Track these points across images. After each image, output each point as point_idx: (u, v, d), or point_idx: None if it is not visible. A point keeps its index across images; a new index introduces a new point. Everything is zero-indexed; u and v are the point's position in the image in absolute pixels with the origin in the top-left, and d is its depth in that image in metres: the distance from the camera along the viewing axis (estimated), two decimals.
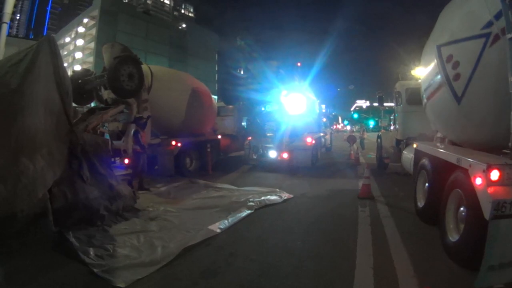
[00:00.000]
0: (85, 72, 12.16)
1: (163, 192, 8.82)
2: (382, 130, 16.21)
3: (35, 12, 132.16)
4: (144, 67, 10.66)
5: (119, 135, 10.98)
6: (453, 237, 4.68)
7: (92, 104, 12.51)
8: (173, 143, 11.18)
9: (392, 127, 14.15)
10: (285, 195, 8.48)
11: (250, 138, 14.90)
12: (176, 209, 7.10)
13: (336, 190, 9.65)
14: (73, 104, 10.43)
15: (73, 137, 6.02)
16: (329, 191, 9.44)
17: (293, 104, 13.58)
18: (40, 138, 5.23)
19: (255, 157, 14.45)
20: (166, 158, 11.08)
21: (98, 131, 10.07)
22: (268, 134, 14.94)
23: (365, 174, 8.93)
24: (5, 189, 4.60)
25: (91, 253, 4.56)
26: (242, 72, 14.35)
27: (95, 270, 4.11)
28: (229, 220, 6.27)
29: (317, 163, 14.73)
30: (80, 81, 11.13)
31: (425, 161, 6.66)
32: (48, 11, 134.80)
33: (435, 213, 5.47)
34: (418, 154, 7.43)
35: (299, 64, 14.70)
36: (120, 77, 9.56)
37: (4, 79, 5.27)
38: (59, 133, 5.71)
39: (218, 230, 5.72)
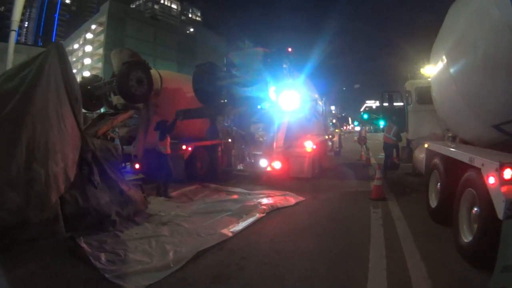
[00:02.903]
0: (94, 78, 12.29)
1: (175, 197, 8.79)
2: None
3: (43, 19, 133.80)
4: (153, 71, 10.69)
5: (129, 140, 11.03)
6: (467, 237, 4.60)
7: (102, 110, 12.60)
8: (184, 147, 10.94)
9: (386, 131, 13.64)
10: (297, 198, 8.40)
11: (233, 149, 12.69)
12: (187, 213, 7.07)
13: (348, 192, 9.60)
14: (83, 110, 10.55)
15: (83, 142, 6.03)
16: (341, 193, 9.38)
17: (285, 100, 10.50)
18: (52, 144, 5.23)
19: (241, 167, 12.40)
20: (176, 162, 10.91)
21: (108, 136, 10.13)
22: (259, 139, 12.75)
23: (376, 175, 8.86)
24: (18, 196, 4.63)
25: (103, 258, 4.55)
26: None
27: (106, 275, 4.09)
28: (241, 224, 6.23)
29: (320, 172, 12.62)
30: (89, 87, 11.22)
31: (437, 160, 6.58)
32: (56, 18, 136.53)
33: (448, 214, 5.38)
34: (429, 153, 7.35)
35: (289, 49, 11.15)
36: (129, 82, 9.60)
37: (14, 87, 5.30)
38: (71, 139, 5.72)
39: (230, 234, 5.67)
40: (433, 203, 6.59)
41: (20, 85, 5.29)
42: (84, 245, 4.90)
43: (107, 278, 4.03)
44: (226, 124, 12.89)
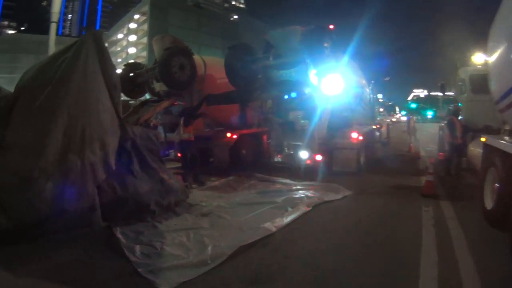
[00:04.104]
0: (136, 65, 12.25)
1: (218, 186, 8.56)
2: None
3: (86, 11, 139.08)
4: (196, 58, 10.49)
5: (172, 127, 10.92)
6: None
7: (147, 97, 12.59)
8: (228, 135, 10.56)
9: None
10: (344, 191, 7.95)
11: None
12: (230, 204, 6.82)
13: (397, 186, 9.01)
14: (125, 98, 10.54)
15: (122, 130, 5.91)
16: (389, 187, 8.84)
17: (328, 84, 9.24)
18: (89, 133, 5.18)
19: (279, 159, 11.44)
20: (221, 150, 10.65)
21: (151, 123, 10.08)
22: (299, 128, 11.28)
23: (429, 169, 8.25)
24: (53, 186, 4.60)
25: (137, 251, 4.39)
26: None
27: (139, 269, 3.91)
28: (286, 218, 5.87)
29: (367, 165, 11.47)
30: (131, 74, 11.19)
31: (495, 157, 5.93)
32: (99, 10, 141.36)
33: (506, 217, 4.75)
34: (487, 149, 6.66)
35: (331, 26, 9.56)
36: (171, 69, 9.46)
37: (49, 76, 5.26)
38: (110, 127, 5.63)
39: (274, 229, 5.33)
40: (489, 204, 5.91)
41: (55, 74, 5.25)
42: (119, 236, 4.79)
43: (140, 273, 3.85)
44: (262, 111, 12.25)
